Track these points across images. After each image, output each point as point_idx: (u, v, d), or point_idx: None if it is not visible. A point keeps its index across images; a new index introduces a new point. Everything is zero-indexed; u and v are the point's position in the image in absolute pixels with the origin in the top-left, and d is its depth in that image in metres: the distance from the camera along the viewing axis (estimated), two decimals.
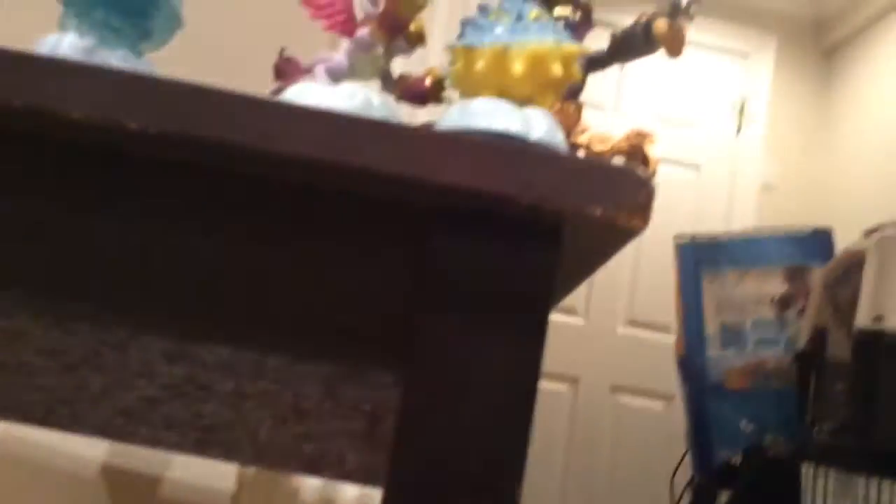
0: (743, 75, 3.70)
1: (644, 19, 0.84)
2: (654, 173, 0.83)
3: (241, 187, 0.70)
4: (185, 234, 0.69)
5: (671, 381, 2.63)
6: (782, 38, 3.68)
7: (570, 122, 0.84)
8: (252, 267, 0.70)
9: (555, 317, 3.31)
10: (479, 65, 0.71)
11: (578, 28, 0.84)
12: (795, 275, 2.63)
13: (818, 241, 2.63)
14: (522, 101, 0.73)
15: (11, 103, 0.63)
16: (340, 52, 0.78)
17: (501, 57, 0.71)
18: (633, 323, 3.62)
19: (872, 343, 2.06)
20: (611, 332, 3.58)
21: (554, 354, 3.39)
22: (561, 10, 0.87)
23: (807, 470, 2.01)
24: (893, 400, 2.04)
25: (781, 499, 2.25)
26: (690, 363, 2.70)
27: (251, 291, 0.69)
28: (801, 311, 2.57)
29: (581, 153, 0.84)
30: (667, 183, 3.63)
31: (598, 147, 0.84)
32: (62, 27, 0.75)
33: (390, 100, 0.76)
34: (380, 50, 0.78)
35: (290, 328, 0.68)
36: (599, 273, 3.52)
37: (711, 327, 2.70)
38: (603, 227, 0.67)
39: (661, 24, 0.82)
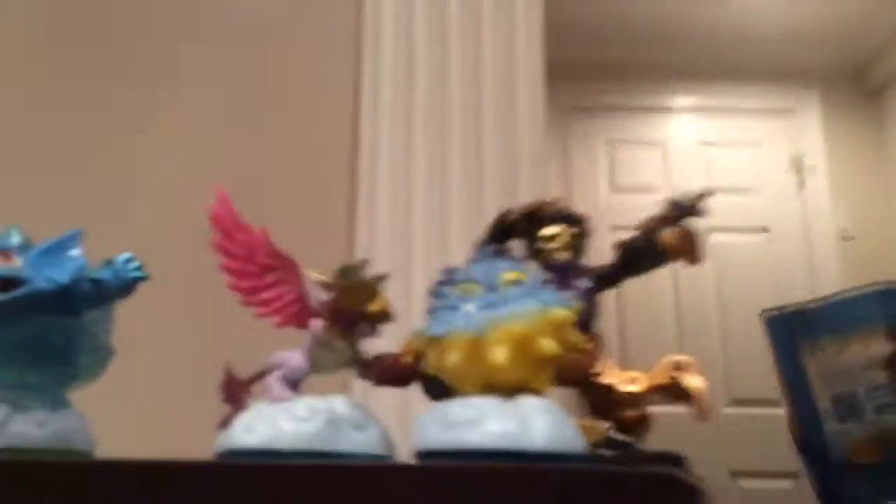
0: (792, 131, 3.52)
1: (649, 226, 0.70)
2: (703, 413, 0.68)
3: None
4: None
5: (792, 456, 2.36)
6: (824, 88, 3.50)
7: (587, 365, 0.70)
8: None
9: (654, 409, 3.09)
10: (453, 358, 0.58)
11: (572, 266, 0.71)
12: None
13: None
14: (513, 387, 0.59)
15: None
16: (297, 353, 0.66)
17: (476, 346, 0.57)
18: (737, 402, 3.37)
19: None
20: (715, 415, 3.32)
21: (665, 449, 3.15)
22: (550, 230, 0.73)
23: None
24: None
25: None
26: (809, 442, 2.43)
27: None
28: None
29: (610, 403, 0.69)
30: (739, 253, 3.43)
31: (628, 389, 0.69)
32: None
33: (357, 407, 0.63)
34: (340, 342, 0.65)
35: None
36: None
37: (823, 402, 2.44)
38: None
39: (668, 236, 0.68)
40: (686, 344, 3.31)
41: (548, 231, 0.73)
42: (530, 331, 0.57)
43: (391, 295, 0.66)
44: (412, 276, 1.46)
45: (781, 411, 2.49)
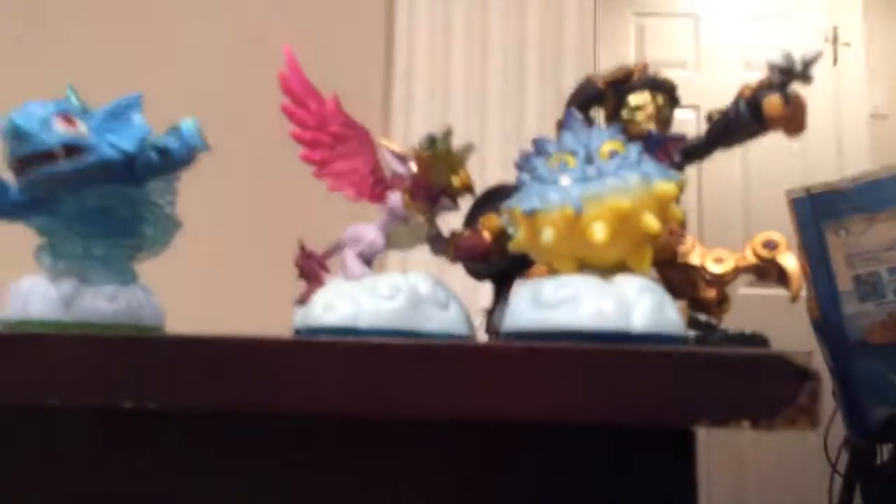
0: (829, 2, 3.38)
1: (748, 94, 0.65)
2: (798, 293, 0.64)
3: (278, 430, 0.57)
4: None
5: (806, 336, 2.39)
6: None
7: (673, 243, 0.67)
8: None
9: None
10: (547, 234, 0.54)
11: (661, 137, 0.66)
12: None
13: None
14: (610, 266, 0.56)
15: None
16: (373, 228, 0.62)
17: (574, 223, 0.53)
18: (755, 282, 3.36)
19: None
20: (731, 294, 3.33)
21: None
22: (638, 98, 0.69)
23: None
24: None
25: None
26: (827, 324, 2.45)
27: None
28: None
29: (691, 282, 0.66)
30: None
31: (716, 270, 0.66)
32: (39, 261, 0.61)
33: (439, 286, 0.60)
34: (419, 217, 0.62)
35: None
36: (709, 235, 3.31)
37: (844, 283, 2.45)
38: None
39: (773, 102, 0.62)
40: (707, 221, 3.28)
41: (635, 100, 0.68)
42: (633, 206, 0.53)
43: None
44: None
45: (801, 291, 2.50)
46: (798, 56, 0.62)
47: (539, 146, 0.58)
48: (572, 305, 0.53)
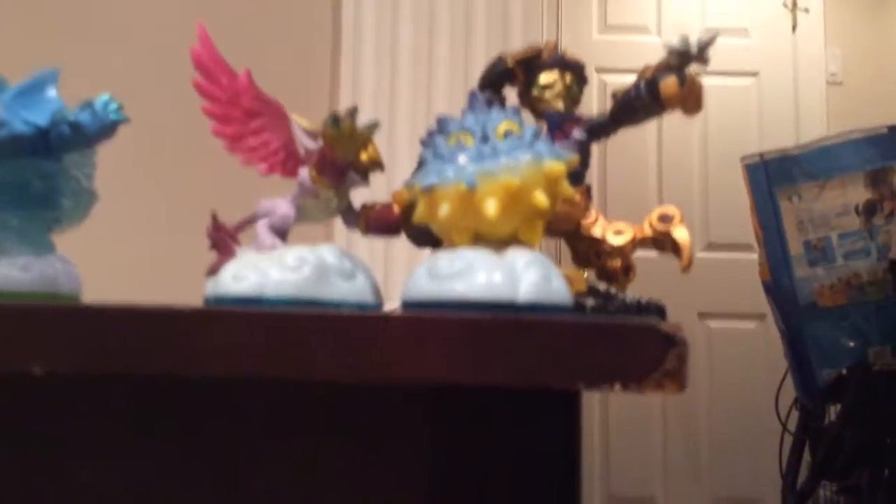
0: None
1: (648, 75, 0.68)
2: (688, 264, 0.68)
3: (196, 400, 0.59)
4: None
5: (759, 299, 2.45)
6: None
7: (577, 216, 0.70)
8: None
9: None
10: (444, 209, 0.57)
11: (567, 115, 0.68)
12: (878, 178, 2.41)
13: None
14: (504, 239, 0.59)
15: None
16: (285, 202, 0.65)
17: (468, 198, 0.56)
18: (711, 246, 3.44)
19: None
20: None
21: (635, 291, 3.25)
22: (547, 77, 0.71)
23: None
24: None
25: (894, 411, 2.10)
26: (778, 287, 2.51)
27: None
28: (890, 216, 2.37)
29: (596, 253, 0.70)
30: (726, 95, 3.39)
31: (615, 241, 0.69)
32: None
33: (346, 256, 0.62)
34: (328, 191, 0.64)
35: None
36: (669, 200, 3.35)
37: (795, 247, 2.52)
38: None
39: (669, 84, 0.65)
40: (665, 185, 3.32)
41: (544, 79, 0.70)
42: (523, 183, 0.56)
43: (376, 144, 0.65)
44: (396, 125, 1.43)
45: (753, 256, 2.55)
46: (694, 39, 0.65)
47: (441, 125, 0.61)
48: (465, 277, 0.56)
